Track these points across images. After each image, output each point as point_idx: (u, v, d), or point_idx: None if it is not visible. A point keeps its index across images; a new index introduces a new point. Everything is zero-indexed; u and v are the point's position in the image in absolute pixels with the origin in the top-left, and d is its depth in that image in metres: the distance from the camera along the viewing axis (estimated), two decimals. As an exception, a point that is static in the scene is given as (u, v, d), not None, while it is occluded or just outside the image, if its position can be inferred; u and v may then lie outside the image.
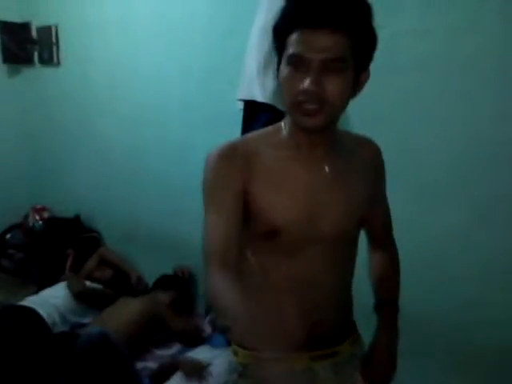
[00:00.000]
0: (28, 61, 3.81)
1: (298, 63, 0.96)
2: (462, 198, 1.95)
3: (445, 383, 2.08)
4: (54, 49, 3.61)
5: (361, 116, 1.74)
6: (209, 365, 2.27)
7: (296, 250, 1.09)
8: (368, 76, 1.03)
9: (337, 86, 0.96)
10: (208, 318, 2.81)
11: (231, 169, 1.05)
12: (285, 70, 0.98)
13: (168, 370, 2.33)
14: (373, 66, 1.02)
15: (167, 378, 2.29)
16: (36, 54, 3.78)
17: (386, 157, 1.20)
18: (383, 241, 1.30)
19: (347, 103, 1.01)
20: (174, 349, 2.65)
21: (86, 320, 2.86)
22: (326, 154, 1.09)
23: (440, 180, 2.00)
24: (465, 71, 1.88)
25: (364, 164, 1.15)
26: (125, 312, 2.56)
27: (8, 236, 3.85)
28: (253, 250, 1.11)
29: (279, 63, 1.01)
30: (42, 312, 2.66)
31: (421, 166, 2.02)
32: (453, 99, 1.92)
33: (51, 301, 2.79)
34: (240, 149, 1.08)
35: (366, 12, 0.97)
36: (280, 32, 0.99)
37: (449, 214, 1.99)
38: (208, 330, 2.76)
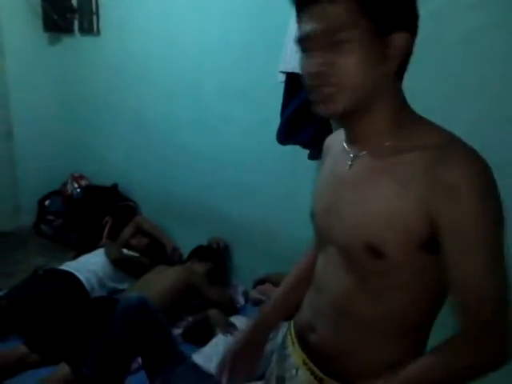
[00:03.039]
0: (68, 30, 3.83)
1: (304, 47, 0.89)
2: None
3: None
4: (94, 18, 3.61)
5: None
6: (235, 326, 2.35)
7: (320, 245, 1.09)
8: (405, 38, 0.86)
9: (347, 60, 0.83)
10: (241, 290, 2.86)
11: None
12: (300, 58, 0.91)
13: (200, 324, 2.41)
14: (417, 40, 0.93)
15: (199, 333, 2.38)
16: (76, 23, 3.79)
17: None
18: (462, 322, 0.85)
19: (372, 77, 0.86)
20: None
21: (122, 286, 2.93)
22: (359, 150, 0.95)
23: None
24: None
25: (413, 181, 0.85)
26: (162, 280, 2.60)
27: (47, 202, 3.96)
28: None
29: None
30: (81, 277, 2.75)
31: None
32: (497, 78, 1.83)
33: (90, 266, 2.86)
34: (326, 140, 1.15)
35: None
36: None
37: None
38: (241, 301, 2.80)
